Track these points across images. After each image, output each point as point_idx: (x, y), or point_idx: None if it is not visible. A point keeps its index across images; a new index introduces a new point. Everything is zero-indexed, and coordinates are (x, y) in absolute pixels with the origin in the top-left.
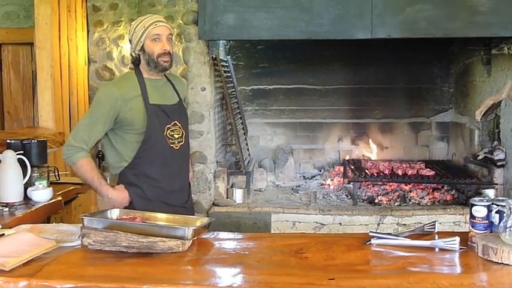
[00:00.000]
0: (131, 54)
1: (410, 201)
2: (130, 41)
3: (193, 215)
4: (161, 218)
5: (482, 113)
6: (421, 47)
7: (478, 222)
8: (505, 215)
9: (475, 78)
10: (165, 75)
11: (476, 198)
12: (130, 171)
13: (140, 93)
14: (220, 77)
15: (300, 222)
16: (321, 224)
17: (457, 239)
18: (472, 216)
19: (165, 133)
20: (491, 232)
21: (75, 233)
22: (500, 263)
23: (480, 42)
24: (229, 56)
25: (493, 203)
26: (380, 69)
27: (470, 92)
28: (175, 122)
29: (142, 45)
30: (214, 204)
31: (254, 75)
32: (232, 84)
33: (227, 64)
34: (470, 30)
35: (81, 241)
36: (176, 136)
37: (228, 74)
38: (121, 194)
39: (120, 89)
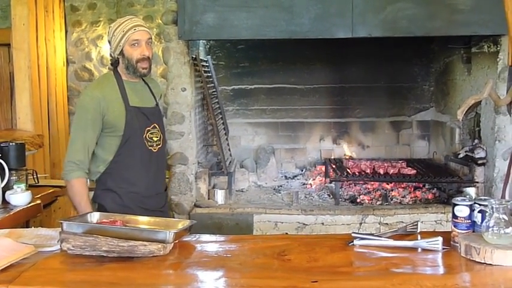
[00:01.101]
0: (110, 55)
1: (392, 200)
2: (109, 42)
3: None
4: (142, 221)
5: (464, 112)
6: (401, 46)
7: (461, 222)
8: (487, 214)
9: (455, 77)
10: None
11: (459, 198)
12: (108, 177)
13: (120, 95)
14: (200, 77)
15: (282, 223)
16: (303, 224)
17: (440, 239)
18: (455, 216)
19: (144, 135)
20: (473, 232)
21: (55, 237)
22: (483, 263)
23: (460, 41)
24: (209, 56)
25: (475, 203)
26: (361, 68)
27: (450, 90)
28: (155, 124)
29: (122, 50)
30: (195, 206)
31: (235, 75)
32: (213, 84)
33: (207, 64)
34: (450, 29)
35: (60, 246)
36: (155, 139)
37: (209, 74)
38: None
39: (102, 91)
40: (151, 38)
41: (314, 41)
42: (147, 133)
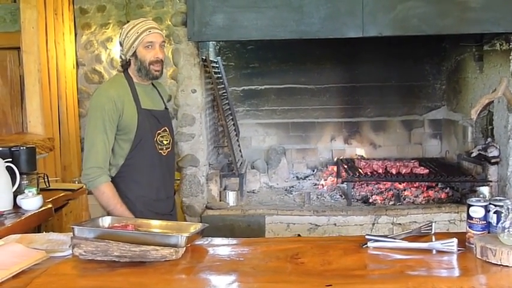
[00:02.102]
0: (121, 57)
1: (404, 200)
2: (121, 44)
3: None
4: (154, 225)
5: (478, 112)
6: (412, 45)
7: (476, 223)
8: (502, 215)
9: (467, 75)
10: None
11: (473, 199)
12: (120, 181)
13: (132, 97)
14: (210, 79)
15: (294, 224)
16: (316, 225)
17: (455, 240)
18: (469, 217)
19: (155, 138)
20: (489, 233)
21: (66, 242)
22: (499, 265)
23: (472, 39)
24: (219, 57)
25: (490, 203)
26: (372, 68)
27: (462, 88)
28: (165, 128)
29: (135, 51)
30: (207, 208)
31: (245, 75)
32: (223, 86)
33: (217, 65)
34: (462, 27)
35: (72, 251)
36: (165, 142)
37: (219, 75)
38: None
39: (117, 92)
40: (164, 41)
41: (324, 40)
42: (157, 136)
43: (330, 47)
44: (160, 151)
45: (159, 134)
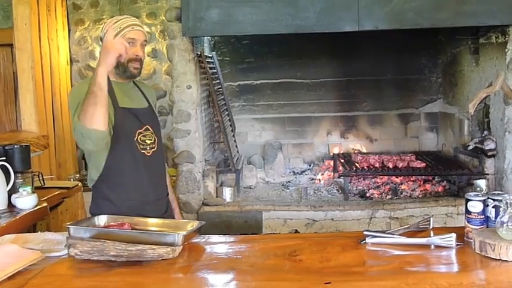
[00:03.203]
0: (100, 53)
1: (401, 193)
2: (101, 39)
3: None
4: (151, 223)
5: (475, 105)
6: (408, 38)
7: (474, 217)
8: (501, 209)
9: (463, 68)
10: (132, 80)
11: (472, 193)
12: (103, 184)
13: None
14: (205, 74)
15: (291, 219)
16: (313, 220)
17: (454, 235)
18: (468, 212)
19: (136, 138)
20: (487, 227)
21: (62, 241)
22: (499, 259)
23: (467, 32)
24: (214, 52)
25: (488, 198)
26: (368, 61)
27: (458, 81)
28: (147, 126)
29: None
30: (204, 204)
31: (240, 70)
32: (218, 81)
33: (212, 60)
34: (458, 20)
35: (68, 251)
36: (148, 142)
37: (214, 71)
38: (108, 48)
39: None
40: (146, 41)
41: (320, 34)
42: (138, 136)
43: (325, 41)
44: (143, 151)
45: (140, 133)
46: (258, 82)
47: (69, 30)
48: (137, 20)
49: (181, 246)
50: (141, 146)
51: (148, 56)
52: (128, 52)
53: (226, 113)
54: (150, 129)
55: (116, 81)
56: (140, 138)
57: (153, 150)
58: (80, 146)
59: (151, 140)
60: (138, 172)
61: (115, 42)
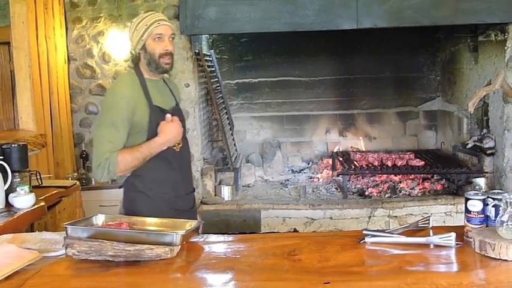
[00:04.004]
0: (131, 52)
1: (400, 192)
2: (130, 38)
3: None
4: (149, 223)
5: (475, 104)
6: (407, 36)
7: (474, 216)
8: (501, 209)
9: (462, 66)
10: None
11: (471, 192)
12: (136, 179)
13: (143, 94)
14: (204, 72)
15: (290, 218)
16: (312, 219)
17: (453, 234)
18: (467, 211)
19: None
20: (487, 226)
21: (59, 241)
22: (498, 259)
23: (467, 29)
24: (212, 50)
25: (488, 197)
26: (366, 59)
27: (457, 79)
28: None
29: (144, 44)
30: (202, 203)
31: (238, 68)
32: (216, 79)
33: (211, 58)
34: (457, 17)
35: (66, 251)
36: None
37: (212, 69)
38: (168, 131)
39: (129, 90)
40: (174, 34)
41: (318, 32)
42: None
43: (324, 39)
44: (173, 147)
45: None
46: (256, 80)
47: (66, 29)
48: (162, 14)
49: (180, 246)
50: None
51: None
52: (158, 48)
53: (225, 111)
54: None
55: (150, 78)
56: None
57: (180, 146)
58: (94, 168)
59: None
60: (171, 168)
61: (175, 129)
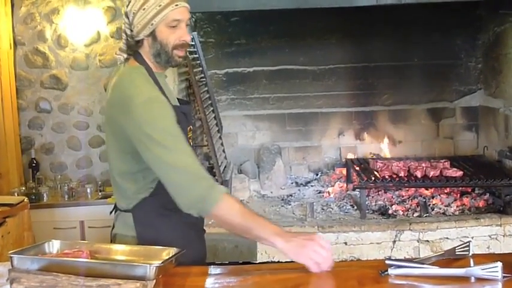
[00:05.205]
0: (127, 35)
1: (433, 210)
2: (127, 16)
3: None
4: (115, 251)
5: None
6: (439, 13)
7: None
8: None
9: (509, 51)
10: None
11: None
12: (157, 200)
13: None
14: (185, 60)
15: None
16: None
17: (499, 264)
18: None
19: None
20: None
21: (3, 274)
22: None
23: None
24: (195, 33)
25: None
26: (389, 43)
27: (503, 67)
28: (190, 126)
29: (153, 30)
30: None
31: (228, 55)
32: (200, 68)
33: (193, 43)
34: None
35: (11, 287)
36: (191, 142)
37: (195, 56)
38: (308, 255)
39: (156, 90)
40: (190, 18)
41: (329, 10)
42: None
43: (336, 17)
44: None
45: (188, 134)
46: (251, 70)
47: (12, 5)
48: None
49: (154, 281)
50: None
51: (112, 37)
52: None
53: (211, 108)
54: (192, 128)
55: (157, 72)
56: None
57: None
58: (185, 197)
59: (191, 139)
60: None
61: (321, 257)
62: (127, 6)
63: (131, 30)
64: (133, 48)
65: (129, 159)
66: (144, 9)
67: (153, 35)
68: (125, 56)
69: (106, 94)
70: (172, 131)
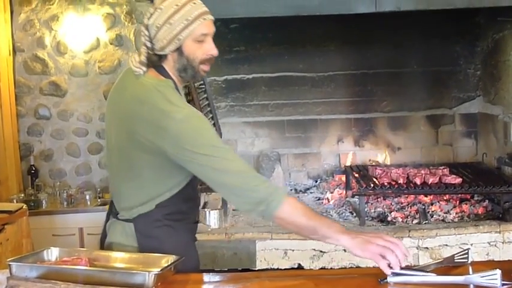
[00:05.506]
0: (147, 49)
1: (432, 217)
2: (147, 29)
3: None
4: (114, 258)
5: None
6: (438, 21)
7: None
8: None
9: (507, 58)
10: None
11: None
12: (162, 211)
13: None
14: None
15: (293, 251)
16: (320, 251)
17: (498, 272)
18: None
19: None
20: None
21: (2, 282)
22: None
23: None
24: None
25: None
26: (388, 50)
27: (502, 74)
28: None
29: (180, 45)
30: None
31: (227, 61)
32: None
33: None
34: None
35: None
36: None
37: None
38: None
39: (190, 106)
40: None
41: (328, 17)
42: None
43: (334, 24)
44: None
45: None
46: (250, 76)
47: (11, 12)
48: (201, 2)
49: None
50: None
51: (111, 44)
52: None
53: (210, 115)
54: None
55: (179, 85)
56: None
57: None
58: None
59: None
60: (195, 192)
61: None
62: (148, 19)
63: (152, 43)
64: (156, 63)
65: (155, 173)
66: (170, 23)
67: (179, 50)
68: (145, 69)
69: (109, 101)
70: (218, 142)
